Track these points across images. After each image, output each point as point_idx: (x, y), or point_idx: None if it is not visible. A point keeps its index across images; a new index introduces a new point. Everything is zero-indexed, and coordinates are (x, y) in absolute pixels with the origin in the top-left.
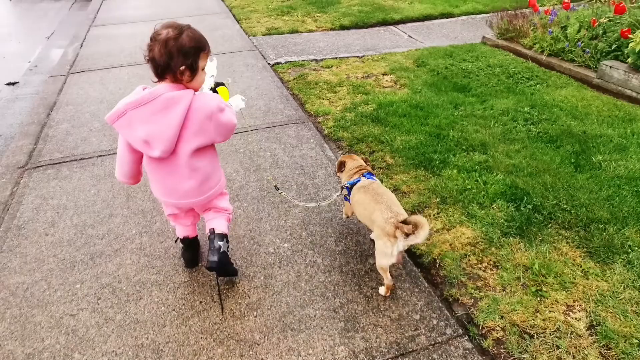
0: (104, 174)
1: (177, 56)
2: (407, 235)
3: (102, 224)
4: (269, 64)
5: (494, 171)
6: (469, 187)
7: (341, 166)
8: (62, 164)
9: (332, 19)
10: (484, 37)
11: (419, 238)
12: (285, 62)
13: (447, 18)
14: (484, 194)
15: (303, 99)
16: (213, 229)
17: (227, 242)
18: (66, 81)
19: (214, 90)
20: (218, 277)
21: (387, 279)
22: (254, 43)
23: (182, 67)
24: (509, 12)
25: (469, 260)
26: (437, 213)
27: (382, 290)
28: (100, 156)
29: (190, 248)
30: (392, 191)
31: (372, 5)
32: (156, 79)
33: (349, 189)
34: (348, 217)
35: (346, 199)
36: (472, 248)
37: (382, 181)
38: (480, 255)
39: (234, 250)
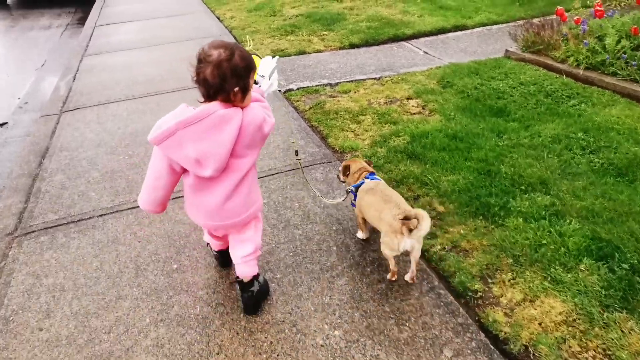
0: (106, 239)
1: (231, 78)
2: (410, 230)
3: (107, 311)
4: (280, 91)
5: (566, 217)
6: (544, 241)
7: (346, 170)
8: (58, 227)
9: (340, 37)
10: (507, 50)
11: (422, 230)
12: (298, 89)
13: (461, 30)
14: (564, 250)
15: (324, 132)
16: (242, 280)
17: (258, 279)
18: (59, 121)
19: None
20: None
21: (392, 265)
22: None
23: (236, 89)
24: (534, 22)
25: (570, 347)
26: (513, 278)
27: (389, 275)
28: (101, 216)
29: (221, 256)
30: (450, 248)
31: (380, 20)
32: (203, 100)
33: (355, 192)
34: (363, 225)
35: (353, 204)
36: (570, 328)
37: (435, 235)
38: (583, 339)
39: (273, 344)
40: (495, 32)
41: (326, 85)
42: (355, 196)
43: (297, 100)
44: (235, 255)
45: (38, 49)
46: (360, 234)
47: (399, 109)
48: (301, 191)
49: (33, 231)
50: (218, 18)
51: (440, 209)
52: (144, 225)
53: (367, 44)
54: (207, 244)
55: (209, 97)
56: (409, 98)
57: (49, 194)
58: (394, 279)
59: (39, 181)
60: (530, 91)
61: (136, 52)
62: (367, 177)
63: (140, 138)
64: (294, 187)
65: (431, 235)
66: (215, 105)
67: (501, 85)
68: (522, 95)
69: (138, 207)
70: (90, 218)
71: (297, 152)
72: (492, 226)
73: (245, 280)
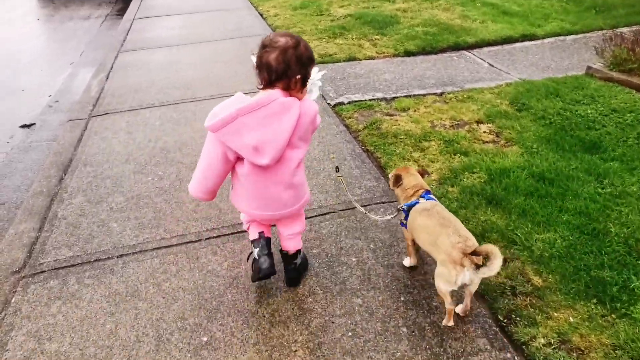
0: (125, 291)
1: (295, 65)
2: (477, 266)
3: None
4: (329, 104)
5: None
6: None
7: (397, 181)
8: (70, 268)
9: (394, 43)
10: (589, 67)
11: (492, 270)
12: (349, 103)
13: (530, 40)
14: None
15: (383, 161)
16: (287, 252)
17: (300, 253)
18: (87, 127)
19: None
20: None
21: (448, 302)
22: None
23: (298, 76)
24: (624, 34)
25: None
26: None
27: (445, 320)
28: (121, 256)
29: (265, 250)
30: (558, 344)
31: (437, 25)
32: (262, 86)
33: (406, 211)
34: (413, 261)
35: (402, 224)
36: None
37: (535, 321)
38: None
39: None
40: (570, 44)
41: (381, 99)
42: (407, 216)
43: (349, 117)
44: (283, 232)
45: (75, 41)
46: (407, 261)
47: (469, 136)
48: (359, 241)
49: (42, 271)
50: (261, 15)
51: (537, 281)
52: (170, 275)
53: (424, 51)
54: (248, 256)
55: (269, 82)
56: (479, 122)
57: (65, 221)
58: (450, 323)
59: (57, 203)
60: (627, 121)
61: (174, 50)
62: (423, 197)
63: (172, 155)
64: (349, 234)
65: (529, 321)
66: (276, 93)
67: (589, 111)
68: (617, 126)
69: (165, 247)
70: (108, 258)
71: (337, 169)
72: (613, 315)
73: (290, 253)
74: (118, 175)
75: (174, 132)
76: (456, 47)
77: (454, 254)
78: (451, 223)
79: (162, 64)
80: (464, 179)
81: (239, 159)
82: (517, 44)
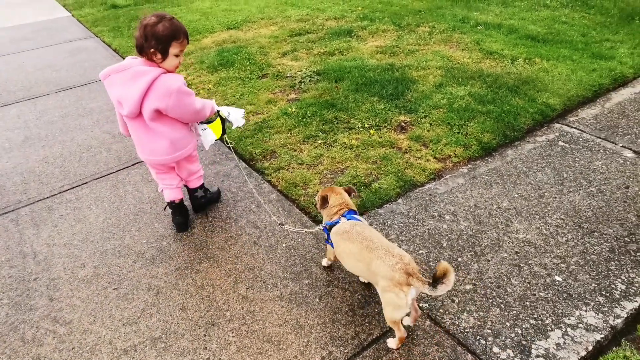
0: None
1: (150, 39)
2: (433, 285)
3: None
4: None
5: None
6: None
7: (324, 202)
8: None
9: (448, 133)
10: None
11: (449, 285)
12: None
13: (624, 86)
14: None
15: None
16: (189, 187)
17: (203, 187)
18: None
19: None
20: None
21: (401, 332)
22: None
23: (152, 50)
24: None
25: None
26: None
27: (392, 342)
28: None
29: (179, 212)
30: None
31: (475, 77)
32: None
33: (328, 230)
34: (331, 262)
35: (327, 242)
36: None
37: None
38: None
39: None
40: None
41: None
42: (329, 236)
43: None
44: (185, 178)
45: None
46: (326, 262)
47: None
48: None
49: None
50: None
51: None
52: None
53: (506, 139)
54: (165, 206)
55: (137, 52)
56: None
57: None
58: (399, 346)
59: None
60: None
61: None
62: (344, 216)
63: None
64: None
65: None
66: (136, 61)
67: None
68: None
69: None
70: None
71: (227, 142)
72: None
73: (190, 187)
74: None
75: None
76: (544, 120)
77: (397, 276)
78: (376, 243)
79: None
80: None
81: None
82: (614, 96)
